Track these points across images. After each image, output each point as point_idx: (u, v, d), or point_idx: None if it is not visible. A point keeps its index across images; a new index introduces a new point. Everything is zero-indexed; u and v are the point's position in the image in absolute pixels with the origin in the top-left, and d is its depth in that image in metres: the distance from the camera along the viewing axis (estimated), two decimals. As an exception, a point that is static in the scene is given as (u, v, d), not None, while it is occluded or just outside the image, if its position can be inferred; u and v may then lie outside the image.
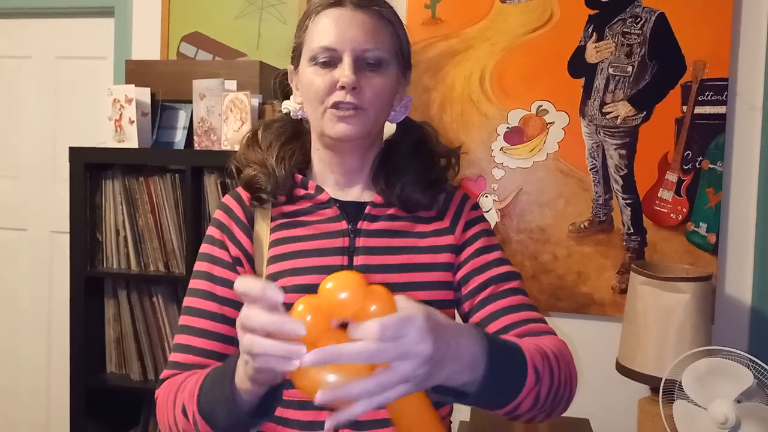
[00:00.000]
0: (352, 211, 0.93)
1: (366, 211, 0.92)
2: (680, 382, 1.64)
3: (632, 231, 1.95)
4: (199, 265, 0.93)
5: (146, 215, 1.95)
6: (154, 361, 1.98)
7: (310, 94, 0.88)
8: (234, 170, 0.97)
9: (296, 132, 0.98)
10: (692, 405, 1.62)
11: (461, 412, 1.99)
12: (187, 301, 0.92)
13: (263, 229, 0.92)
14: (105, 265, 1.98)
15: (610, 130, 1.95)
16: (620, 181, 1.95)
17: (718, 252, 1.91)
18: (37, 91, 2.47)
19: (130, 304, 1.98)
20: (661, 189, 1.93)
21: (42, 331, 2.48)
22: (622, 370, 1.80)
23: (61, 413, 2.27)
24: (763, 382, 1.59)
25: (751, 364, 1.58)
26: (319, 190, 0.93)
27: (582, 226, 1.98)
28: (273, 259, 0.90)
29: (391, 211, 0.93)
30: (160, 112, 1.98)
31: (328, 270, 0.88)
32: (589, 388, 2.00)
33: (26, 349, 2.50)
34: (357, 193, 0.95)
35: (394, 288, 0.87)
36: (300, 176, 0.94)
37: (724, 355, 1.61)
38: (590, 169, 1.97)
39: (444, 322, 0.64)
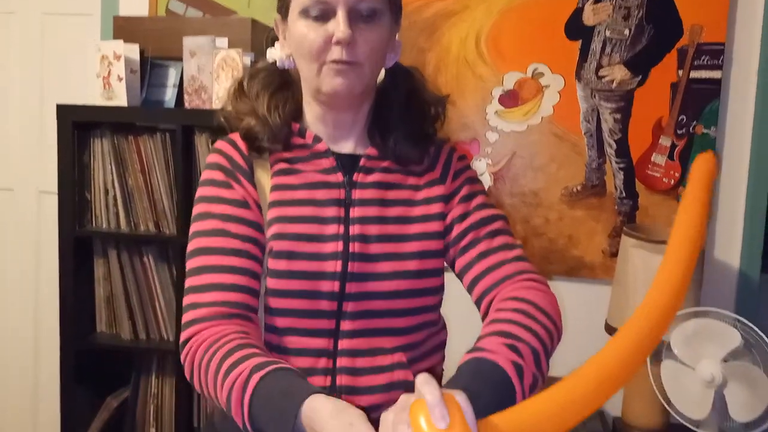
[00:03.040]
0: (346, 163, 0.92)
1: (361, 163, 0.92)
2: (668, 343, 1.66)
3: (624, 195, 1.96)
4: (204, 207, 0.89)
5: (136, 174, 1.92)
6: (144, 321, 1.97)
7: (303, 50, 0.86)
8: (224, 122, 0.94)
9: (284, 82, 0.95)
10: (680, 365, 1.64)
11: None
12: (199, 243, 0.87)
13: (264, 176, 0.91)
14: (94, 225, 1.96)
15: (606, 93, 1.94)
16: (614, 146, 1.95)
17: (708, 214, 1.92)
18: (23, 48, 2.41)
19: (120, 263, 1.97)
20: (654, 153, 1.93)
21: (30, 292, 2.45)
22: (611, 331, 1.82)
23: (51, 373, 2.27)
24: (750, 342, 1.61)
25: (738, 324, 1.61)
26: (317, 139, 0.92)
27: (575, 190, 1.98)
28: (273, 204, 0.89)
29: (385, 164, 0.93)
30: (149, 70, 1.94)
31: (325, 221, 0.88)
32: (577, 349, 2.01)
33: (13, 311, 2.48)
34: (351, 146, 0.94)
35: (391, 239, 0.88)
36: (297, 125, 0.93)
37: (711, 316, 1.63)
38: (584, 133, 1.96)
39: None
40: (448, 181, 0.95)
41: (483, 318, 0.90)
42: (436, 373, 0.96)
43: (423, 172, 0.95)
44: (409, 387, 0.85)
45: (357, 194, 0.90)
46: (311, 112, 0.94)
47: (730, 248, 1.95)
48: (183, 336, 0.84)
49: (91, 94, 1.95)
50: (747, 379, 1.57)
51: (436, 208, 0.92)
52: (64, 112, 1.87)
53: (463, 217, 0.93)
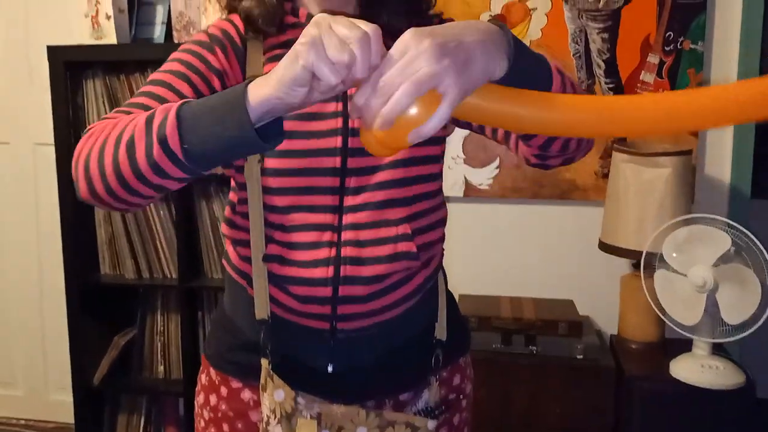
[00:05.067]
0: None
1: None
2: (660, 254, 1.69)
3: (615, 115, 1.97)
4: (179, 55, 0.86)
5: (130, 114, 1.93)
6: (147, 259, 2.00)
7: None
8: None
9: None
10: (672, 273, 1.67)
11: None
12: (156, 76, 0.83)
13: (257, 61, 0.90)
14: (92, 167, 1.98)
15: (593, 13, 1.94)
16: (603, 66, 1.96)
17: (698, 132, 1.94)
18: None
19: (119, 204, 1.99)
20: (643, 72, 1.94)
21: (31, 241, 2.47)
22: (605, 247, 1.85)
23: (59, 317, 2.30)
24: (741, 246, 1.64)
25: (728, 229, 1.63)
26: (310, 17, 0.90)
27: (565, 113, 2.00)
28: None
29: None
30: (136, 8, 1.94)
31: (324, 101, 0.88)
32: (572, 270, 2.06)
33: (17, 261, 2.50)
34: None
35: None
36: (289, 4, 0.92)
37: (702, 223, 1.66)
38: (573, 55, 1.97)
39: (442, 27, 0.62)
40: None
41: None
42: (438, 250, 0.97)
43: None
44: (412, 257, 0.88)
45: None
46: None
47: (720, 162, 1.97)
48: None
49: (79, 36, 1.95)
50: (738, 280, 1.60)
51: None
52: (55, 53, 1.88)
53: None
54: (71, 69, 1.91)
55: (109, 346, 2.07)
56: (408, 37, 0.59)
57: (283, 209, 0.87)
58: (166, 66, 0.85)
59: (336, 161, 0.86)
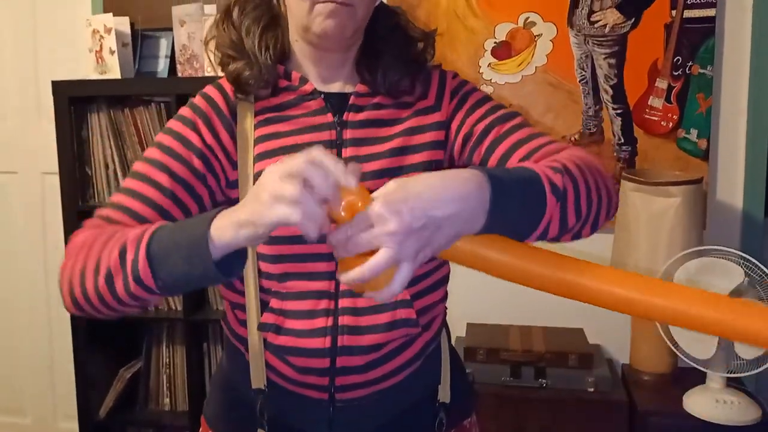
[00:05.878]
0: (336, 102, 0.89)
1: (351, 101, 0.89)
2: (672, 285, 1.66)
3: (623, 141, 1.94)
4: (161, 138, 0.87)
5: (134, 147, 1.93)
6: (152, 292, 2.00)
7: None
8: (212, 59, 0.91)
9: (273, 17, 0.91)
10: (684, 305, 1.63)
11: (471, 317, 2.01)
12: (138, 167, 0.85)
13: (248, 124, 0.88)
14: (97, 200, 1.98)
15: (599, 39, 1.92)
16: (610, 91, 1.93)
17: (708, 158, 1.90)
18: (15, 28, 2.38)
19: (124, 237, 1.99)
20: (651, 97, 1.91)
21: (39, 271, 2.48)
22: (615, 277, 1.81)
23: (65, 349, 2.30)
24: (755, 279, 1.60)
25: (742, 261, 1.60)
26: (303, 80, 0.89)
27: (572, 139, 1.97)
28: (260, 157, 0.86)
29: (376, 100, 0.90)
30: (140, 42, 1.95)
31: None
32: (583, 299, 2.02)
33: (24, 290, 2.51)
34: (340, 85, 0.92)
35: (384, 174, 0.86)
36: (282, 67, 0.90)
37: (715, 254, 1.62)
38: (579, 81, 1.94)
39: (417, 191, 0.63)
40: (444, 103, 0.92)
41: None
42: (439, 310, 0.95)
43: (415, 101, 0.92)
44: (411, 325, 0.85)
45: (348, 134, 0.87)
46: (299, 51, 0.91)
47: (732, 188, 1.93)
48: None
49: (84, 70, 1.96)
50: (751, 314, 1.56)
51: (429, 137, 0.89)
52: (59, 87, 1.89)
53: (481, 119, 0.89)
54: (75, 103, 1.91)
55: (115, 378, 2.06)
56: (379, 207, 0.61)
57: (278, 276, 0.85)
58: (148, 153, 0.87)
59: (331, 227, 0.84)
